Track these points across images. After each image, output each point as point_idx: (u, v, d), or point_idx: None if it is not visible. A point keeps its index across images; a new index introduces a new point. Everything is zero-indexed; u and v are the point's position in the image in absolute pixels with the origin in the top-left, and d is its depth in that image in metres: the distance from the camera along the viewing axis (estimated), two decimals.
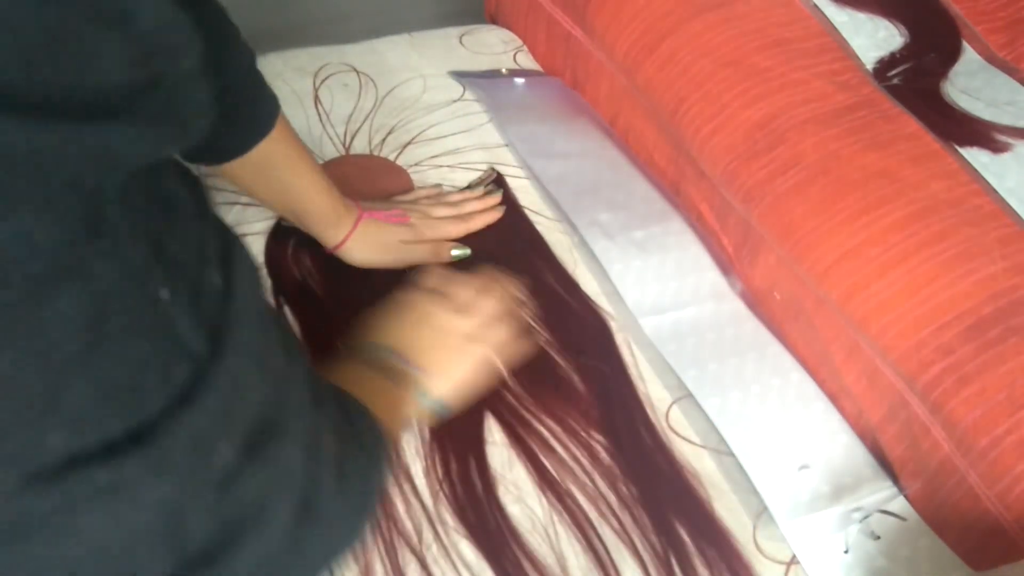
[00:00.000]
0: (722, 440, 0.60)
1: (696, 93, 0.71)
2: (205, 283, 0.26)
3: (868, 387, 0.61)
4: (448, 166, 0.78)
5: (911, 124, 0.69)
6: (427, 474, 0.56)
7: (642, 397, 0.63)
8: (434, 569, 0.51)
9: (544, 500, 0.56)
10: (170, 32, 0.23)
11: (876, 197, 0.62)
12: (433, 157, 0.78)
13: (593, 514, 0.55)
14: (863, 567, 0.56)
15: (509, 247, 0.71)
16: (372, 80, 0.85)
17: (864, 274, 0.59)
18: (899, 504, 0.59)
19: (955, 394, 0.54)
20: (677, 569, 0.53)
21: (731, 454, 0.59)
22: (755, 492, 0.57)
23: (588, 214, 0.74)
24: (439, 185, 0.75)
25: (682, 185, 0.77)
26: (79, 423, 0.22)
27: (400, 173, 0.76)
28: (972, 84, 0.78)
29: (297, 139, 0.59)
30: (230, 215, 0.70)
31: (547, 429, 0.59)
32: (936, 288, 0.58)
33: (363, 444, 0.39)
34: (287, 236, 0.68)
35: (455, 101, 0.84)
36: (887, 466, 0.61)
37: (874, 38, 0.78)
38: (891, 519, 0.58)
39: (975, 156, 0.68)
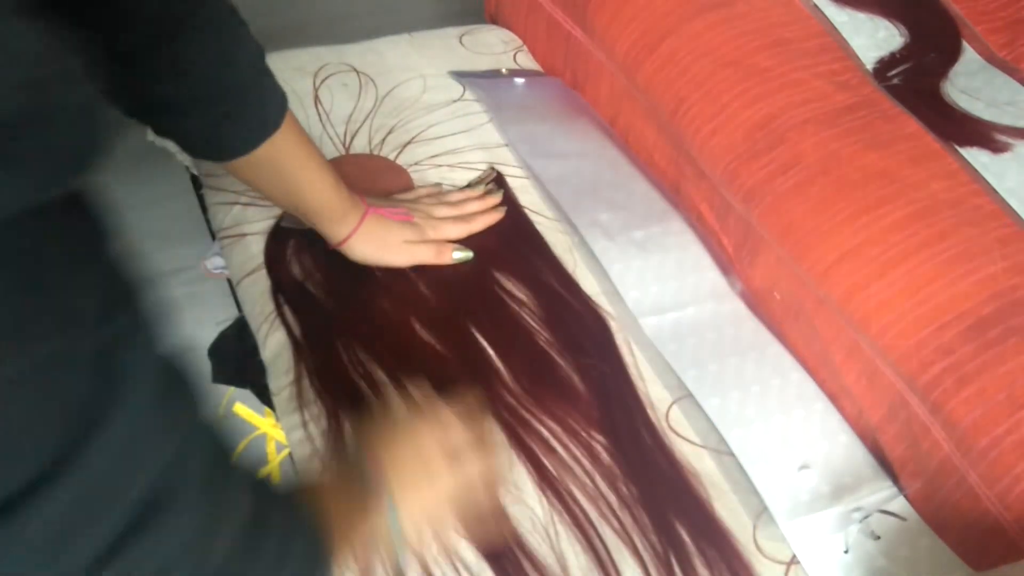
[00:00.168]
0: (722, 440, 0.60)
1: (696, 93, 0.71)
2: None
3: (868, 387, 0.61)
4: (448, 166, 0.78)
5: (911, 124, 0.69)
6: None
7: (642, 397, 0.63)
8: (434, 569, 0.51)
9: (544, 500, 0.55)
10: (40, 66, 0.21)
11: (876, 197, 0.62)
12: (433, 157, 0.78)
13: (593, 514, 0.55)
14: (863, 567, 0.56)
15: (509, 247, 0.71)
16: (372, 80, 0.85)
17: (864, 274, 0.59)
18: (899, 504, 0.59)
19: (955, 394, 0.54)
20: (677, 569, 0.53)
21: (731, 454, 0.59)
22: (755, 492, 0.57)
23: (588, 214, 0.74)
24: (439, 184, 0.75)
25: (682, 185, 0.77)
26: None
27: (400, 172, 0.76)
28: (972, 84, 0.78)
29: (304, 135, 0.59)
30: (230, 215, 0.70)
31: (547, 429, 0.59)
32: (936, 288, 0.58)
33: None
34: (287, 236, 0.68)
35: (455, 101, 0.84)
36: (887, 466, 0.61)
37: (874, 38, 0.78)
38: (891, 519, 0.58)
39: (975, 156, 0.68)
